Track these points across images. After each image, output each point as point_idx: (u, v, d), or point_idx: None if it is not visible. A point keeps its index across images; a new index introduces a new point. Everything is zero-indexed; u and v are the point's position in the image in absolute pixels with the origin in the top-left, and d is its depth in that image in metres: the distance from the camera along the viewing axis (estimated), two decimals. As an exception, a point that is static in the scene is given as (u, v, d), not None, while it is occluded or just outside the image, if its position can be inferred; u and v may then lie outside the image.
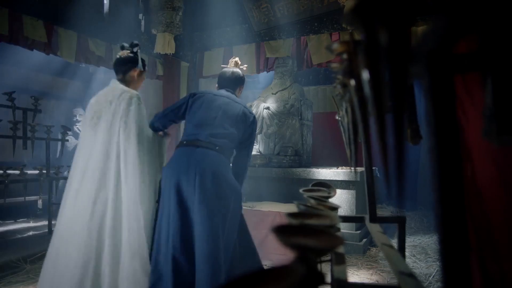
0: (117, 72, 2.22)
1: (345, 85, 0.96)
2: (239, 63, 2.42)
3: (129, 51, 2.22)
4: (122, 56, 2.21)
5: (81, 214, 1.91)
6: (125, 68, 2.19)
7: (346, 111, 1.00)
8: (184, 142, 2.01)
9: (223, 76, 2.29)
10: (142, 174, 2.00)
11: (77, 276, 1.81)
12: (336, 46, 0.84)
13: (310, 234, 0.59)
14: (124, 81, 2.19)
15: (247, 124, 2.13)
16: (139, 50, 2.23)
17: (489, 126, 0.58)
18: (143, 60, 2.25)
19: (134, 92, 2.13)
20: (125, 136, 1.99)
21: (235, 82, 2.27)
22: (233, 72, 2.28)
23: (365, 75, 0.50)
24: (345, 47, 0.82)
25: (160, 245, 1.91)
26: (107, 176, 1.96)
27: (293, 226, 0.62)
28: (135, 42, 2.26)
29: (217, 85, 2.32)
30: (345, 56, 0.85)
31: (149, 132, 2.16)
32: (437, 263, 3.38)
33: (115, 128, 2.00)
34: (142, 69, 2.23)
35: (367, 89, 0.51)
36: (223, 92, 2.20)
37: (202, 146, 1.93)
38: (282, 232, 0.58)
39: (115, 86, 2.15)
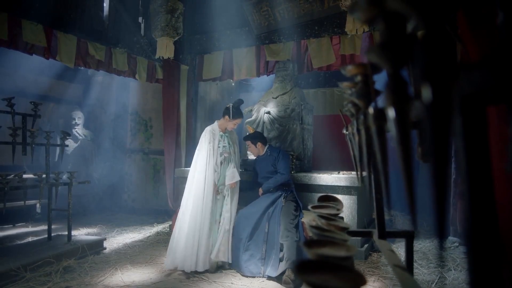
0: (223, 114, 3.60)
1: (357, 106, 0.94)
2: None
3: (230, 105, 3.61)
4: (227, 106, 3.54)
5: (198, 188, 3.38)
6: (223, 114, 3.59)
7: (358, 131, 0.98)
8: None
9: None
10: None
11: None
12: (350, 68, 0.82)
13: (330, 270, 0.58)
14: (221, 120, 3.62)
15: None
16: (232, 106, 3.52)
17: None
18: (238, 113, 3.57)
19: (217, 129, 3.57)
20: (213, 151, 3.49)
21: None
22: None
23: (391, 113, 0.49)
24: (361, 69, 0.81)
25: None
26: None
27: (312, 261, 0.60)
28: (241, 99, 3.68)
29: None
30: (359, 78, 0.84)
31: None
32: (439, 269, 3.37)
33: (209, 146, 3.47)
34: (229, 117, 3.51)
35: (392, 126, 0.50)
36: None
37: None
38: (302, 269, 0.56)
39: (215, 123, 3.63)
